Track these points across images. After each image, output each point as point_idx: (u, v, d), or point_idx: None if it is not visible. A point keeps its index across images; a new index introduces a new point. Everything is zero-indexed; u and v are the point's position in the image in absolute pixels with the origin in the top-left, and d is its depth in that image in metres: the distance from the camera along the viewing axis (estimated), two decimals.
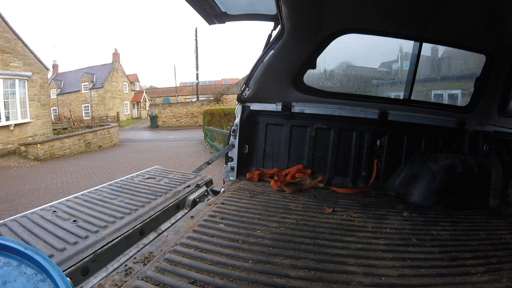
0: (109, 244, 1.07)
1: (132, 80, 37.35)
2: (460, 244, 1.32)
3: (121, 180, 1.85)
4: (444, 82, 2.56)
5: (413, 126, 2.21)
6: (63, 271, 0.80)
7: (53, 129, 13.91)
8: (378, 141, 2.24)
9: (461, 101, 2.43)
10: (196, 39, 25.73)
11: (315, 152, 2.28)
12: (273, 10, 1.95)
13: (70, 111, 20.53)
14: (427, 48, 2.21)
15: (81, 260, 0.96)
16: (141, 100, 37.42)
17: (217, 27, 2.31)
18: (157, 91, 41.37)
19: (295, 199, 1.81)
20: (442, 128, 2.24)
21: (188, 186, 1.79)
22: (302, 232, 1.32)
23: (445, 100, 2.53)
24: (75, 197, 1.52)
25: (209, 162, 2.40)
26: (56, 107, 27.99)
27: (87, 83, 30.46)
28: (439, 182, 1.91)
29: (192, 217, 1.43)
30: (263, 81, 2.17)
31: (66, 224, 1.19)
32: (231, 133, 2.25)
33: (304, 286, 0.93)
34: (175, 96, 35.17)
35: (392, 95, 2.59)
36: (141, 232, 1.25)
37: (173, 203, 1.53)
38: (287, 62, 2.13)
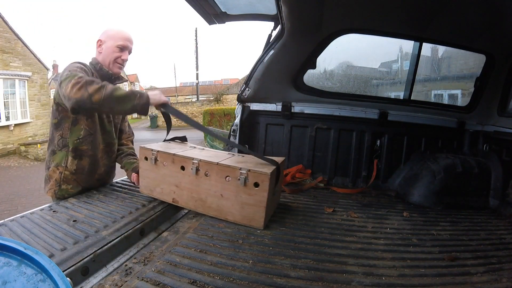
0: (109, 244, 1.07)
1: (132, 80, 37.34)
2: (460, 244, 1.32)
3: (122, 180, 1.85)
4: (444, 82, 2.57)
5: (413, 126, 2.21)
6: (63, 271, 0.80)
7: None
8: (378, 141, 2.25)
9: (461, 101, 2.43)
10: (196, 39, 25.72)
11: (315, 152, 2.28)
12: (273, 10, 1.94)
13: None
14: (427, 48, 2.21)
15: (81, 260, 0.95)
16: None
17: (217, 27, 2.32)
18: None
19: (295, 199, 1.81)
20: (442, 128, 2.25)
21: None
22: (302, 232, 1.32)
23: (445, 100, 2.53)
24: (75, 197, 1.52)
25: None
26: None
27: None
28: (439, 182, 1.91)
29: (192, 217, 1.43)
30: (263, 81, 2.17)
31: (66, 224, 1.19)
32: (231, 133, 2.25)
33: (304, 286, 0.93)
34: (175, 96, 35.16)
35: (392, 95, 2.59)
36: (141, 232, 1.24)
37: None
38: (287, 62, 2.13)
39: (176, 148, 1.51)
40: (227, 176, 1.30)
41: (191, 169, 1.35)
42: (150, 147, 1.46)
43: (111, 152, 1.70)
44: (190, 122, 1.51)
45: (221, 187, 1.32)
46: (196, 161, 1.35)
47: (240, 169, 1.27)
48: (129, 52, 1.63)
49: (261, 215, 1.28)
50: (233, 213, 1.33)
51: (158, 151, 1.43)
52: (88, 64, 1.59)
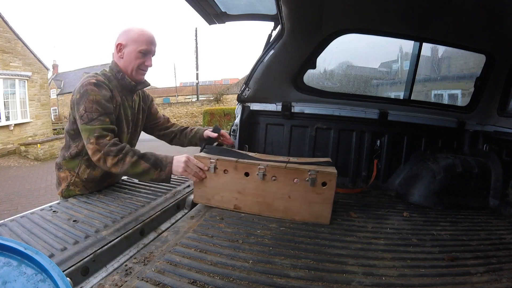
0: (109, 244, 1.07)
1: None
2: (460, 244, 1.31)
3: (121, 180, 1.85)
4: (444, 82, 2.57)
5: (413, 126, 2.21)
6: (63, 271, 0.80)
7: (53, 129, 13.94)
8: (378, 141, 2.24)
9: (461, 101, 2.43)
10: (196, 39, 25.73)
11: (315, 152, 2.28)
12: (273, 10, 1.94)
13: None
14: (427, 48, 2.21)
15: (81, 260, 0.95)
16: None
17: (217, 27, 2.32)
18: (157, 91, 41.29)
19: None
20: (442, 128, 2.24)
21: (188, 186, 1.79)
22: (302, 232, 1.32)
23: (445, 100, 2.53)
24: (75, 198, 1.52)
25: None
26: (56, 107, 27.98)
27: None
28: (439, 182, 1.91)
29: (192, 217, 1.43)
30: (263, 81, 2.17)
31: (66, 224, 1.19)
32: (231, 133, 2.25)
33: (304, 286, 0.93)
34: (175, 96, 35.14)
35: (392, 95, 2.59)
36: (141, 232, 1.25)
37: (173, 203, 1.53)
38: (287, 62, 2.13)
39: (230, 155, 1.51)
40: (295, 178, 1.37)
41: (257, 174, 1.39)
42: (207, 156, 1.46)
43: None
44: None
45: (289, 189, 1.38)
46: (262, 166, 1.38)
47: (309, 171, 1.34)
48: (153, 55, 1.51)
49: (328, 211, 1.38)
50: (301, 212, 1.40)
51: (217, 159, 1.44)
52: (108, 70, 1.50)
